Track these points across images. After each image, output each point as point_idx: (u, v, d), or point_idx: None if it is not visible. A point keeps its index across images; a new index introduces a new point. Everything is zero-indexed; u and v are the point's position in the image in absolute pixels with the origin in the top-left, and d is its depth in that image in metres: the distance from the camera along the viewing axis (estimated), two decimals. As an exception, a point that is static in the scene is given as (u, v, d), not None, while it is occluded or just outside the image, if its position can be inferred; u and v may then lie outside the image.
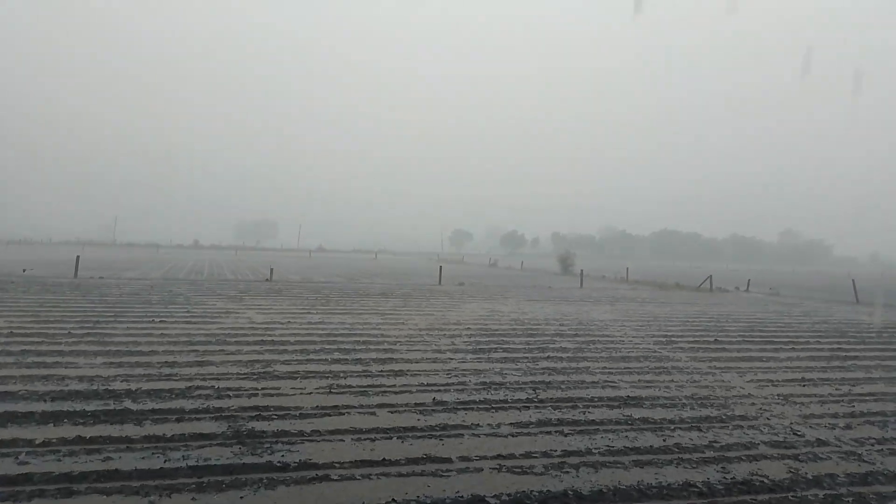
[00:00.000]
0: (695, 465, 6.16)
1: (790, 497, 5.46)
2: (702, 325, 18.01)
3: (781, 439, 7.09)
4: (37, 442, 6.09)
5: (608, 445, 6.68)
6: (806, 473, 6.03)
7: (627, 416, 7.87)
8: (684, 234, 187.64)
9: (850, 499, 5.46)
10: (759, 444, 6.91)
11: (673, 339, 14.85)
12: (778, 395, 9.31)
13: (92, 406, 7.40)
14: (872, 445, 6.99)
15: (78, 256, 35.07)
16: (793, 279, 59.70)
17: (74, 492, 5.03)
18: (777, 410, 8.39)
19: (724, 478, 5.84)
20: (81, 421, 6.83)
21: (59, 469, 5.46)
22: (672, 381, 10.06)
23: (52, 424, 6.66)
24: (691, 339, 14.95)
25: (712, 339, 14.87)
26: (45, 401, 7.55)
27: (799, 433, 7.36)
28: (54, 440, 6.16)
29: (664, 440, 6.93)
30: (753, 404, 8.68)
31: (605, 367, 10.96)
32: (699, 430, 7.38)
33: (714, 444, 6.82)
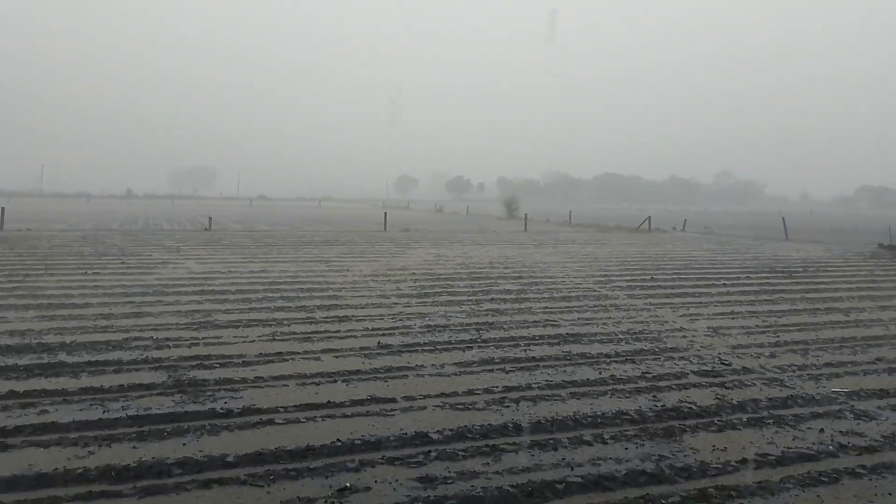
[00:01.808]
0: (628, 395, 6.45)
1: (715, 421, 5.79)
2: (639, 264, 18.58)
3: (710, 369, 7.48)
4: (-34, 398, 5.90)
5: (547, 380, 6.91)
6: (731, 399, 6.39)
7: (566, 352, 8.14)
8: (625, 177, 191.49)
9: (771, 421, 5.83)
10: (688, 373, 7.27)
11: (612, 278, 15.29)
12: (708, 328, 9.76)
13: (25, 360, 7.18)
14: (794, 372, 7.44)
15: (2, 208, 33.36)
16: (727, 219, 61.92)
17: (9, 446, 4.91)
18: (707, 342, 8.81)
19: (655, 406, 6.14)
20: (14, 375, 6.63)
21: (-9, 424, 5.31)
22: (609, 317, 10.41)
23: (-19, 380, 6.44)
24: (629, 277, 15.43)
25: (648, 278, 15.38)
26: (-28, 357, 7.28)
27: (726, 363, 7.76)
28: (-15, 396, 5.97)
29: (600, 373, 7.21)
30: (685, 337, 9.08)
31: (546, 307, 11.24)
32: (633, 362, 7.70)
33: (647, 375, 7.15)
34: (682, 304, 11.85)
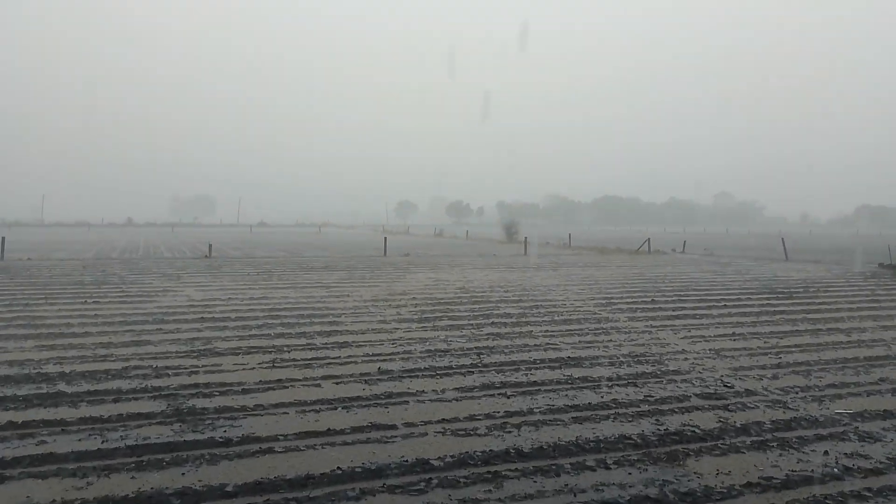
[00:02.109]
0: (630, 419, 6.40)
1: (719, 445, 5.74)
2: (640, 286, 18.56)
3: (712, 391, 7.43)
4: (-37, 430, 5.86)
5: (549, 404, 6.87)
6: (735, 422, 6.35)
7: (568, 375, 8.10)
8: (625, 200, 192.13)
9: (775, 444, 5.78)
10: (691, 396, 7.22)
11: (612, 300, 15.27)
12: (710, 350, 9.72)
13: (24, 390, 7.15)
14: (797, 393, 7.39)
15: (3, 238, 33.43)
16: (727, 240, 61.98)
17: (7, 478, 4.87)
18: (709, 364, 8.77)
19: (658, 429, 6.09)
20: (13, 405, 6.60)
21: (-12, 456, 5.27)
22: (611, 340, 10.37)
23: (-21, 411, 6.40)
24: (630, 300, 15.41)
25: (649, 300, 15.35)
26: (-29, 388, 7.24)
27: (729, 385, 7.72)
28: (-17, 427, 5.93)
29: (602, 397, 7.17)
30: (687, 359, 9.04)
31: (547, 331, 11.21)
32: (635, 385, 7.66)
33: (649, 399, 7.10)
34: (684, 326, 11.82)
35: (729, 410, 6.75)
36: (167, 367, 8.31)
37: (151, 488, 4.73)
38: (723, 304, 14.80)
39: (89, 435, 5.81)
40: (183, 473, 5.01)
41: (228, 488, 4.75)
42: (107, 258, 30.19)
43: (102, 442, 5.64)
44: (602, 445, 5.69)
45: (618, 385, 7.69)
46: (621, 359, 9.07)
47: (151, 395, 7.09)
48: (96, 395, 7.01)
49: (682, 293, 16.92)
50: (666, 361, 8.92)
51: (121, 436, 5.80)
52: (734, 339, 10.55)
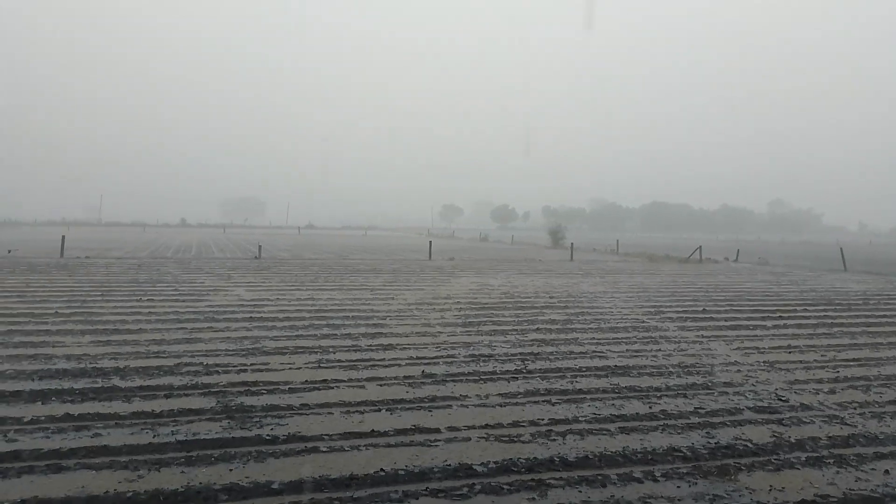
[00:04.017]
0: (680, 431, 6.24)
1: (773, 460, 5.54)
2: (690, 295, 18.15)
3: (766, 405, 7.19)
4: (25, 420, 6.09)
5: (595, 413, 6.75)
6: (789, 437, 6.12)
7: (615, 384, 7.95)
8: (674, 206, 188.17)
9: (832, 460, 5.55)
10: (743, 409, 7.00)
11: (662, 309, 14.96)
12: (764, 362, 9.42)
13: (80, 384, 7.39)
14: (855, 409, 7.10)
15: (63, 236, 34.79)
16: (782, 248, 60.17)
17: (63, 468, 5.04)
18: (762, 377, 8.50)
19: (709, 443, 5.92)
20: (69, 399, 6.83)
21: (47, 446, 5.46)
22: (660, 350, 10.16)
23: (40, 403, 6.65)
24: (680, 309, 15.07)
25: (700, 309, 14.99)
26: (32, 379, 7.53)
27: (783, 399, 7.46)
28: (42, 418, 6.15)
29: (650, 407, 7.01)
30: (739, 371, 8.78)
31: (593, 338, 11.04)
32: (685, 397, 7.47)
33: (699, 411, 6.91)
34: (736, 336, 11.49)
35: (783, 425, 6.52)
36: (217, 365, 8.48)
37: (200, 483, 4.82)
38: (778, 315, 14.35)
39: (141, 429, 5.97)
40: (231, 469, 5.10)
41: (274, 486, 4.81)
42: (161, 257, 31.09)
43: (154, 436, 5.78)
44: (650, 457, 5.55)
45: (667, 396, 7.51)
46: (671, 369, 8.87)
47: (202, 391, 7.24)
48: (149, 391, 7.20)
49: (734, 303, 16.46)
50: (717, 373, 8.68)
51: (171, 431, 5.94)
52: (789, 352, 10.20)
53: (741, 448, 5.81)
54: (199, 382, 7.61)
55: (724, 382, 8.16)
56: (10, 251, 31.74)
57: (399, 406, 6.88)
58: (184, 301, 14.74)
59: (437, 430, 6.12)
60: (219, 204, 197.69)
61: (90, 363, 8.42)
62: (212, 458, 5.31)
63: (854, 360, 9.67)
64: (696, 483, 5.04)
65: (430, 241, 41.89)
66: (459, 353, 9.57)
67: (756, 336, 11.56)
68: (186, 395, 7.10)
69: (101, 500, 4.53)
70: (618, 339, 11.06)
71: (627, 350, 10.10)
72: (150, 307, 13.60)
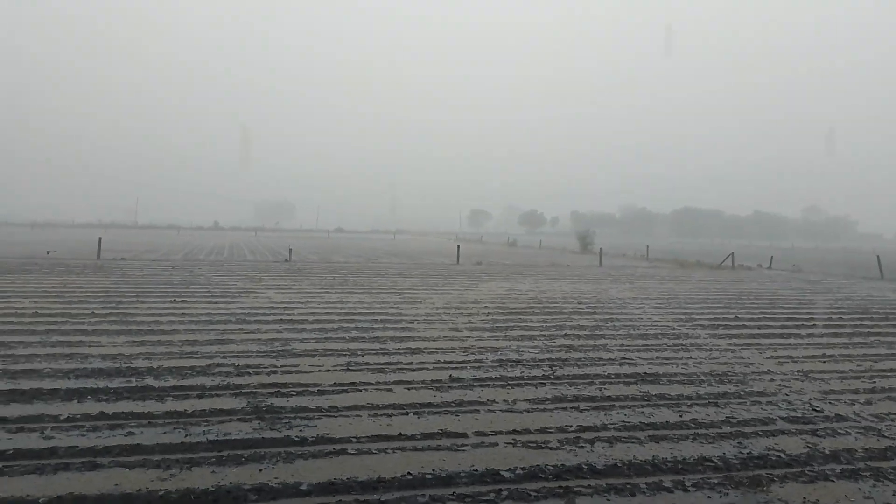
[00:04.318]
0: (711, 441, 6.15)
1: (806, 471, 5.43)
2: (722, 302, 17.87)
3: (800, 415, 7.05)
4: (61, 417, 6.24)
5: (624, 421, 6.69)
6: (824, 448, 5.99)
7: (644, 392, 7.87)
8: (705, 212, 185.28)
9: (868, 473, 5.42)
10: (776, 419, 6.87)
11: (692, 316, 14.76)
12: (798, 371, 9.23)
13: (115, 383, 7.55)
14: (893, 421, 6.92)
15: (100, 238, 35.58)
16: (816, 256, 58.94)
17: (98, 465, 5.15)
18: (796, 386, 8.33)
19: (741, 452, 5.83)
20: (104, 397, 6.98)
21: (83, 444, 5.59)
22: (690, 357, 10.02)
23: (76, 401, 6.80)
24: (711, 316, 14.85)
25: (732, 317, 14.75)
26: (69, 378, 7.71)
27: (818, 409, 7.30)
28: (78, 416, 6.30)
29: (681, 416, 6.92)
30: (772, 380, 8.62)
31: (622, 345, 10.94)
32: (716, 405, 7.36)
33: (731, 420, 6.80)
34: (770, 345, 11.28)
35: (818, 436, 6.38)
36: (248, 366, 8.60)
37: (230, 483, 4.89)
38: (812, 323, 14.06)
39: (174, 428, 6.07)
40: (260, 470, 5.16)
41: (303, 487, 4.85)
42: (194, 259, 31.61)
43: (186, 436, 5.88)
44: (680, 466, 5.48)
45: (697, 404, 7.40)
46: (701, 377, 8.74)
47: (233, 392, 7.35)
48: (181, 391, 7.33)
49: (768, 311, 16.17)
50: (750, 382, 8.53)
51: (203, 430, 6.03)
52: (824, 361, 9.99)
53: (774, 459, 5.71)
54: (231, 383, 7.72)
55: (757, 391, 8.02)
56: (48, 252, 32.56)
57: (426, 410, 6.89)
58: (216, 303, 14.97)
59: (465, 435, 6.12)
60: (251, 207, 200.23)
61: (125, 363, 8.59)
62: (242, 459, 5.39)
63: (891, 370, 9.43)
64: (727, 494, 4.96)
65: (458, 246, 41.88)
66: (487, 358, 9.56)
67: (790, 345, 11.34)
68: (218, 395, 7.21)
69: (133, 498, 4.62)
70: (647, 345, 10.94)
71: (657, 357, 9.98)
72: (183, 308, 13.84)
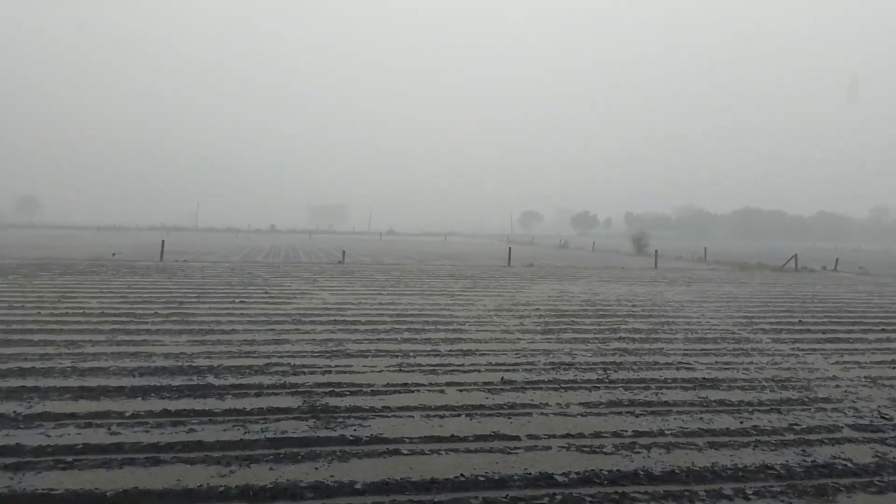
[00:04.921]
0: (773, 448, 5.95)
1: (875, 482, 5.20)
2: (785, 305, 17.28)
3: (867, 423, 6.75)
4: (127, 414, 6.48)
5: (681, 427, 6.53)
6: (893, 458, 5.72)
7: (703, 397, 7.67)
8: (767, 213, 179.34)
9: (945, 486, 5.15)
10: (843, 427, 6.60)
11: (753, 320, 14.32)
12: (865, 377, 8.85)
13: (177, 381, 7.80)
14: (971, 432, 6.55)
15: (163, 241, 36.81)
16: (885, 258, 56.34)
17: (161, 461, 5.33)
18: (864, 393, 7.98)
19: (804, 461, 5.62)
20: (167, 395, 7.21)
21: (147, 439, 5.79)
22: (751, 362, 9.72)
23: (140, 398, 7.06)
24: (773, 320, 14.38)
25: (796, 321, 14.25)
26: (134, 376, 8.01)
27: (887, 416, 6.98)
28: (143, 412, 6.53)
29: (741, 422, 6.72)
30: (838, 387, 8.28)
31: (680, 349, 10.69)
32: (779, 412, 7.11)
33: (795, 427, 6.56)
34: (835, 350, 10.84)
35: (887, 444, 6.10)
36: (303, 366, 8.76)
37: (287, 480, 4.99)
38: (881, 328, 13.45)
39: (233, 426, 6.23)
40: (316, 468, 5.25)
41: (357, 486, 4.91)
42: (252, 261, 32.40)
43: (245, 433, 6.03)
44: (741, 474, 5.32)
45: (759, 411, 7.17)
46: (763, 383, 8.46)
47: (289, 391, 7.50)
48: (240, 389, 7.52)
49: (833, 315, 15.55)
50: (814, 388, 8.22)
51: (261, 428, 6.17)
52: (894, 367, 9.54)
53: (840, 468, 5.48)
54: (287, 382, 7.87)
55: (822, 398, 7.72)
56: (113, 254, 33.90)
57: (478, 412, 6.88)
58: (273, 303, 15.30)
59: (517, 438, 6.09)
60: (306, 210, 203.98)
61: (186, 361, 8.87)
62: (298, 457, 5.49)
63: (970, 378, 8.93)
64: (790, 503, 4.79)
65: (509, 248, 41.70)
66: (539, 361, 9.48)
67: (857, 350, 10.88)
68: (275, 394, 7.37)
69: (195, 493, 4.76)
70: (706, 350, 10.66)
71: (716, 362, 9.72)
72: (241, 309, 14.20)
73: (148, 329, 11.37)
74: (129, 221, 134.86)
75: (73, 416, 6.37)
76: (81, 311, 13.35)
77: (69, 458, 5.30)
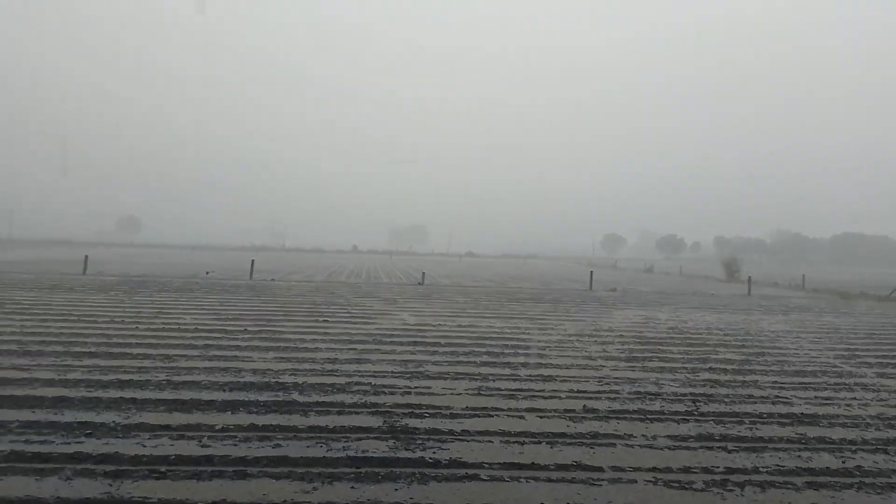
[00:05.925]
0: (879, 491, 5.50)
1: None
2: (891, 338, 16.08)
3: None
4: (217, 427, 6.72)
5: (777, 465, 6.15)
6: None
7: (801, 434, 7.20)
8: (871, 237, 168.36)
9: None
10: (964, 474, 6.03)
11: (857, 353, 13.39)
12: None
13: (264, 397, 8.04)
14: None
15: (253, 260, 38.35)
16: None
17: (248, 475, 5.48)
18: None
19: (920, 510, 5.16)
20: (255, 410, 7.44)
21: (235, 453, 5.98)
22: (855, 398, 9.07)
23: (229, 412, 7.31)
24: (878, 353, 13.40)
25: (904, 355, 13.22)
26: (224, 390, 8.31)
27: None
28: (231, 426, 6.76)
29: (843, 462, 6.26)
30: (957, 429, 7.59)
31: (775, 382, 10.12)
32: (886, 453, 6.59)
33: (906, 472, 6.05)
34: (951, 388, 9.97)
35: None
36: (384, 386, 8.85)
37: (368, 500, 5.02)
38: None
39: (316, 443, 6.35)
40: (396, 489, 5.26)
41: (436, 510, 4.88)
42: (335, 281, 33.23)
43: (327, 451, 6.12)
44: (845, 519, 4.94)
45: (863, 450, 6.66)
46: (868, 420, 7.87)
47: (370, 410, 7.58)
48: (323, 406, 7.66)
49: (947, 349, 14.33)
50: (928, 429, 7.57)
51: (343, 446, 6.26)
52: None
53: (962, 520, 5.00)
54: (368, 402, 7.97)
55: (938, 441, 7.09)
56: (207, 273, 35.57)
57: (559, 440, 6.73)
58: (354, 323, 15.60)
59: (601, 469, 5.90)
60: (387, 231, 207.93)
61: (273, 378, 9.14)
62: (378, 476, 5.52)
63: None
64: (904, 555, 4.40)
65: (591, 271, 40.93)
66: (623, 389, 9.19)
67: (978, 389, 9.95)
68: (356, 413, 7.46)
69: (279, 507, 4.85)
70: (804, 383, 10.04)
71: (816, 397, 9.13)
72: (325, 328, 14.54)
73: (238, 345, 11.80)
74: (222, 241, 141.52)
75: (167, 427, 6.66)
76: (177, 326, 14.02)
77: (163, 468, 5.53)
